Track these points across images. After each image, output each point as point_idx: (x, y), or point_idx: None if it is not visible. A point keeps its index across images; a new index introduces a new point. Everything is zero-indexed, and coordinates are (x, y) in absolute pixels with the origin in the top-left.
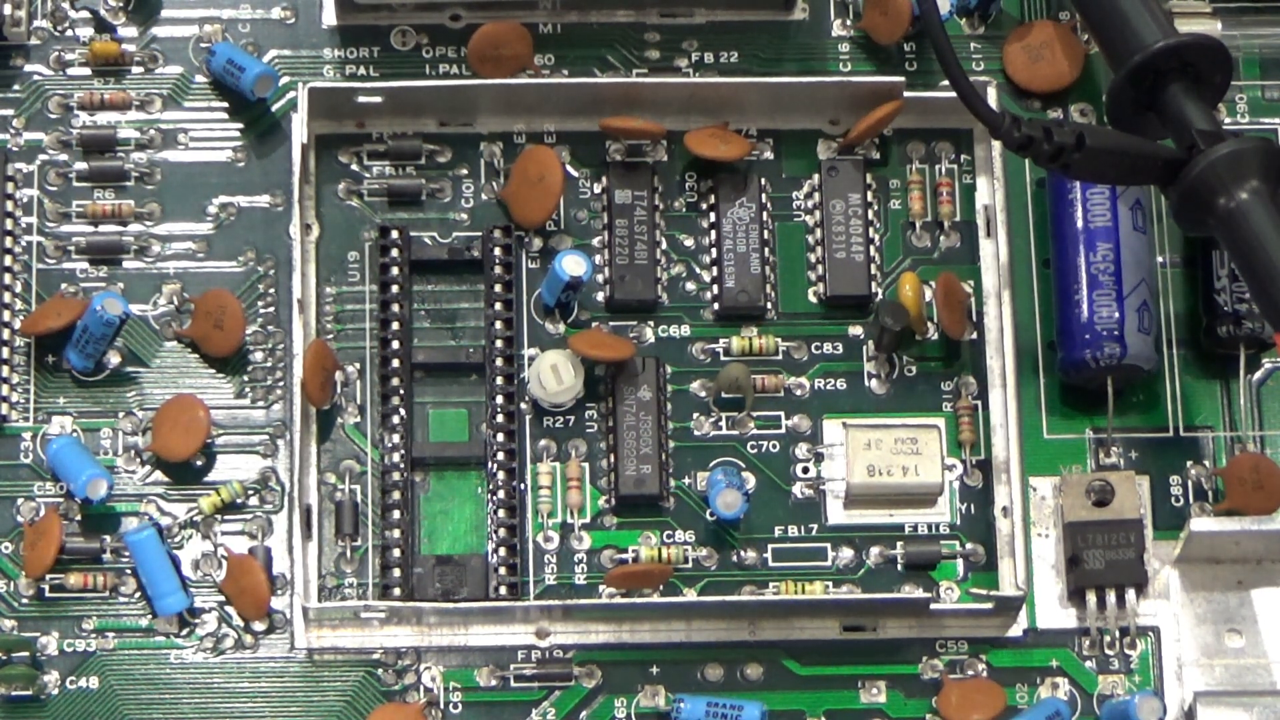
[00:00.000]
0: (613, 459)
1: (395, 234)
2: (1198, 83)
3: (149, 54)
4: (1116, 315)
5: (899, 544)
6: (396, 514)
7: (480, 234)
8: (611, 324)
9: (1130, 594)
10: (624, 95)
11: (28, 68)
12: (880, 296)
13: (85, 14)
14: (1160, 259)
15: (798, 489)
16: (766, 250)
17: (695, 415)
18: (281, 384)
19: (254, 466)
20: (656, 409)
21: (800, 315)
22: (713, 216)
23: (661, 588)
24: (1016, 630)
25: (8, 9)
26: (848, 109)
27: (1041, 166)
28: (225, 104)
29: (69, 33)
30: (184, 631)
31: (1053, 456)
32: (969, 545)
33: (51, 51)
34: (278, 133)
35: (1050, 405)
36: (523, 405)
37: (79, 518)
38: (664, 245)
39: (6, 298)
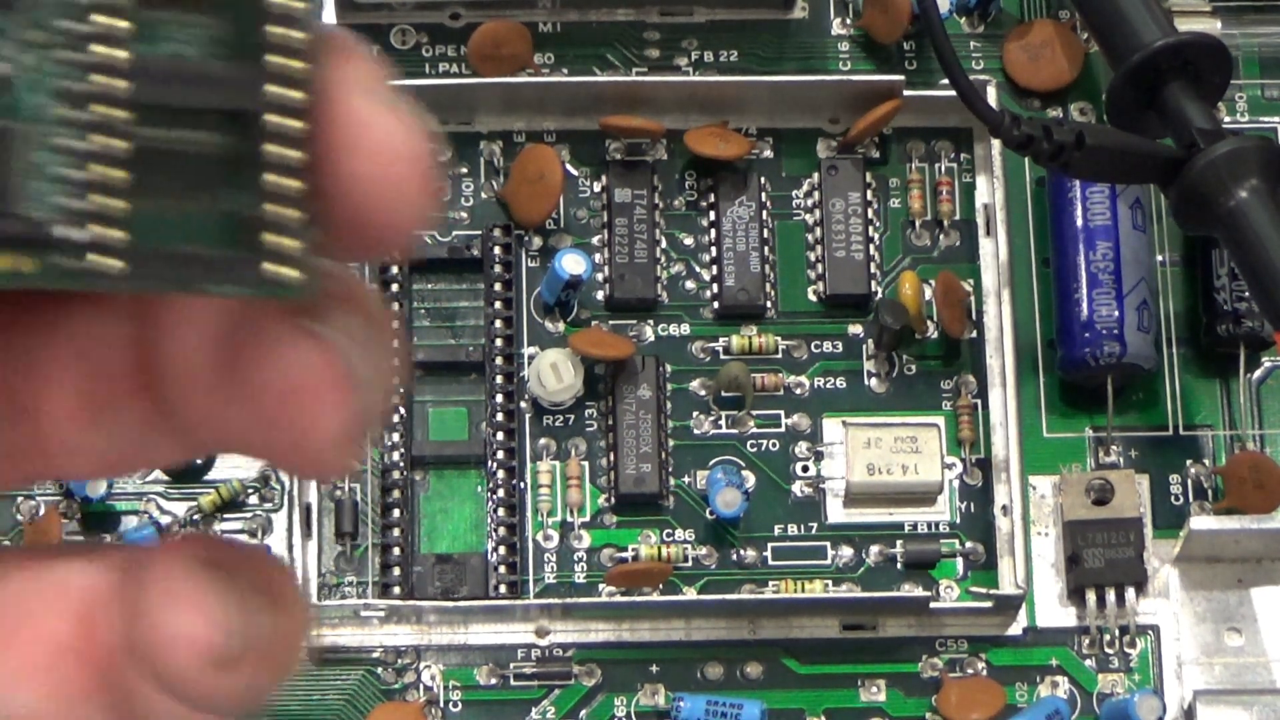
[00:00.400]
0: (612, 458)
1: None
2: (1197, 81)
3: None
4: (1116, 314)
5: (899, 542)
6: (396, 513)
7: (480, 233)
8: (611, 323)
9: (1130, 592)
10: (624, 94)
11: None
12: (880, 295)
13: None
14: (1160, 257)
15: (797, 488)
16: (766, 249)
17: (695, 414)
18: None
19: (254, 465)
20: (656, 408)
21: (800, 314)
22: (712, 215)
23: (661, 586)
24: (1016, 629)
25: None
26: (847, 108)
27: (1041, 165)
28: None
29: None
30: None
31: (1052, 455)
32: (969, 544)
33: None
34: None
35: (1050, 404)
36: (523, 404)
37: (79, 516)
38: (664, 244)
39: None
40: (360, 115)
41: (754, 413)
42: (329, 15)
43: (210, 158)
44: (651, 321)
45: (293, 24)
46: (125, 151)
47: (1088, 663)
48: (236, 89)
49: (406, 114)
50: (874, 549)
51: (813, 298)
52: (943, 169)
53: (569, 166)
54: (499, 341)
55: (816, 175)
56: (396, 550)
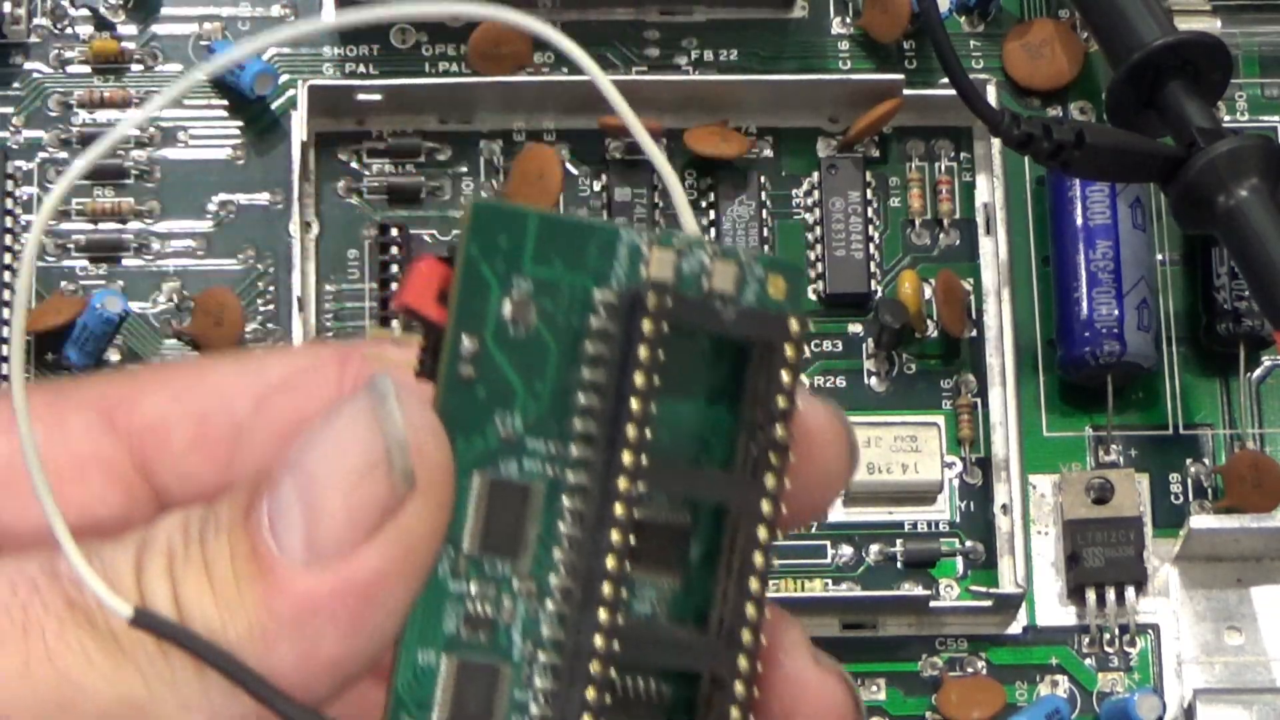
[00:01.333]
0: None
1: (395, 231)
2: (1197, 80)
3: (149, 52)
4: (1116, 313)
5: (899, 541)
6: None
7: None
8: None
9: (1130, 591)
10: (624, 93)
11: (27, 65)
12: (880, 294)
13: (85, 12)
14: (1160, 256)
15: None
16: (766, 248)
17: None
18: None
19: None
20: None
21: None
22: (712, 214)
23: None
24: (1016, 628)
25: (8, 7)
26: (847, 107)
27: (1041, 164)
28: (225, 102)
29: (69, 30)
30: None
31: (1052, 454)
32: (969, 543)
33: (51, 49)
34: (277, 130)
35: (1050, 403)
36: None
37: None
38: None
39: (6, 295)
40: (801, 678)
41: None
42: (328, 13)
43: (661, 706)
44: None
45: (749, 599)
46: (592, 699)
47: (1088, 662)
48: (694, 654)
49: (838, 673)
50: (874, 548)
51: (813, 297)
52: (942, 168)
53: (569, 166)
54: None
55: (816, 174)
56: None
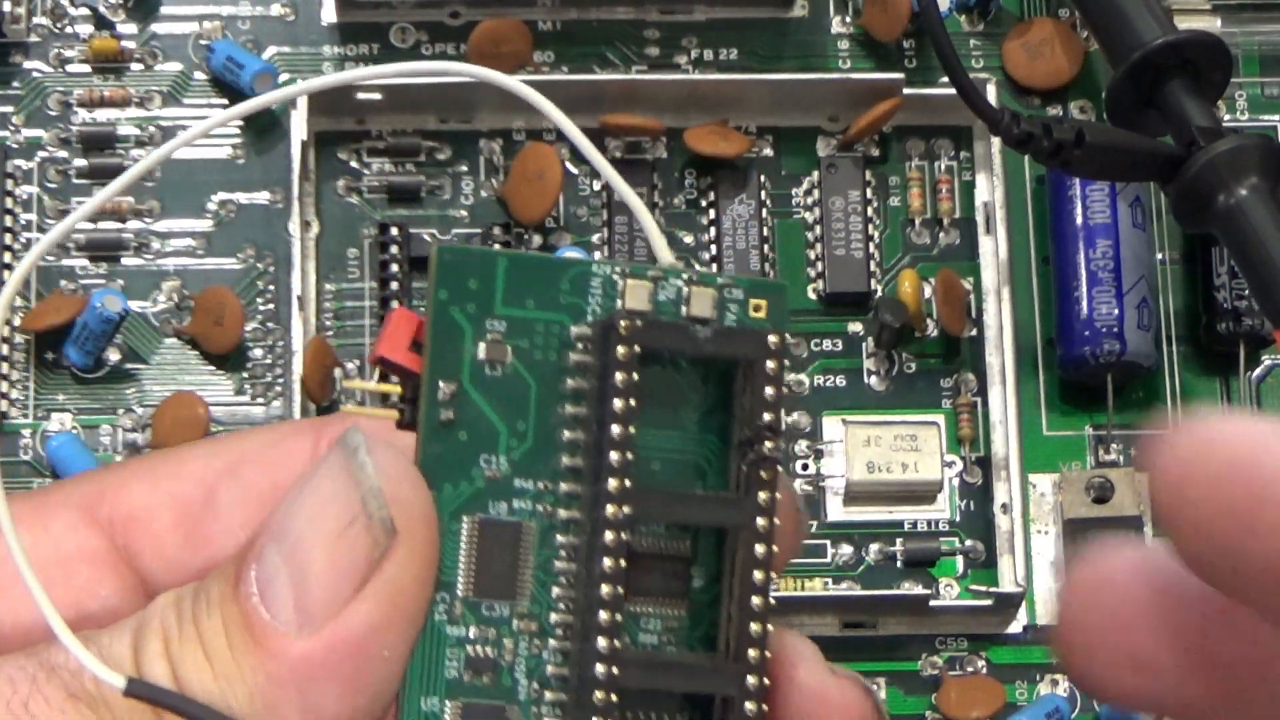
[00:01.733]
0: None
1: (395, 231)
2: (1197, 79)
3: (148, 51)
4: (1116, 312)
5: (898, 541)
6: None
7: (480, 231)
8: None
9: None
10: (623, 92)
11: (27, 64)
12: (880, 293)
13: (85, 11)
14: (1160, 256)
15: (797, 486)
16: (766, 247)
17: None
18: (281, 381)
19: None
20: None
21: (800, 312)
22: (712, 213)
23: None
24: (1016, 627)
25: (7, 6)
26: (847, 106)
27: (1041, 163)
28: (225, 101)
29: (68, 30)
30: None
31: (1052, 453)
32: (968, 542)
33: (51, 48)
34: (277, 130)
35: (1050, 402)
36: None
37: None
38: None
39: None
40: (818, 688)
41: None
42: (329, 13)
43: None
44: None
45: (753, 616)
46: None
47: None
48: (700, 677)
49: (855, 679)
50: (874, 547)
51: (812, 296)
52: (942, 167)
53: (569, 165)
54: None
55: (816, 173)
56: None
